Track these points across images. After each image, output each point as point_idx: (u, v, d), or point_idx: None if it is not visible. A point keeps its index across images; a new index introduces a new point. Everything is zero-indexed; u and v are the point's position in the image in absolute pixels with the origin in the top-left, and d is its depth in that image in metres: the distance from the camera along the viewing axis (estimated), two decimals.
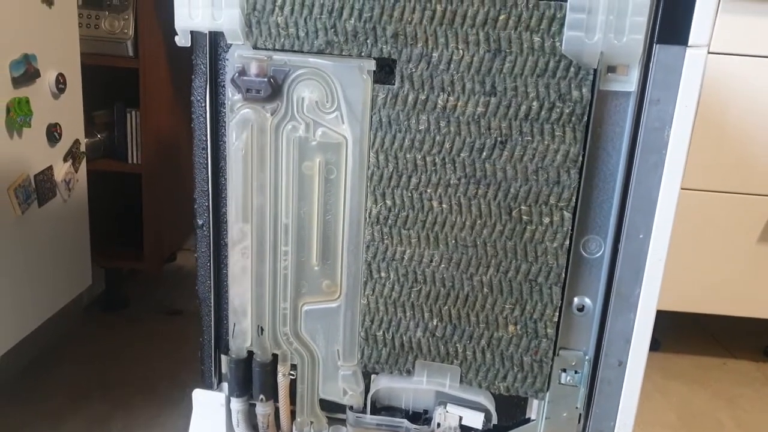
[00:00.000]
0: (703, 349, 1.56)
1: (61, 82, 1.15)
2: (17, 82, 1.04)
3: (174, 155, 1.59)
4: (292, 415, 0.82)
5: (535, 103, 0.66)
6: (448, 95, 0.67)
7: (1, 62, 1.01)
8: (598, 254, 0.71)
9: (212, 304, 0.79)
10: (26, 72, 1.06)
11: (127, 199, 1.57)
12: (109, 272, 1.57)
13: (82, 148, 1.27)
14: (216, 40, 0.71)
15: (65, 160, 1.21)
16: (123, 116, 1.46)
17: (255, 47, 0.69)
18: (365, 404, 0.80)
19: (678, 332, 1.61)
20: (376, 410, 0.80)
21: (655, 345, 1.54)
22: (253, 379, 0.80)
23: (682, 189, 1.31)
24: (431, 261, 0.72)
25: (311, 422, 0.81)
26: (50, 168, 1.16)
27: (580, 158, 0.67)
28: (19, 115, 1.05)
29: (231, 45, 0.70)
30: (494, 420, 0.77)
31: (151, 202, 1.49)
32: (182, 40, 0.70)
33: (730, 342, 1.60)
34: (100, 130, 1.47)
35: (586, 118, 0.66)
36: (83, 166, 1.28)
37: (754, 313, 1.40)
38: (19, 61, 1.04)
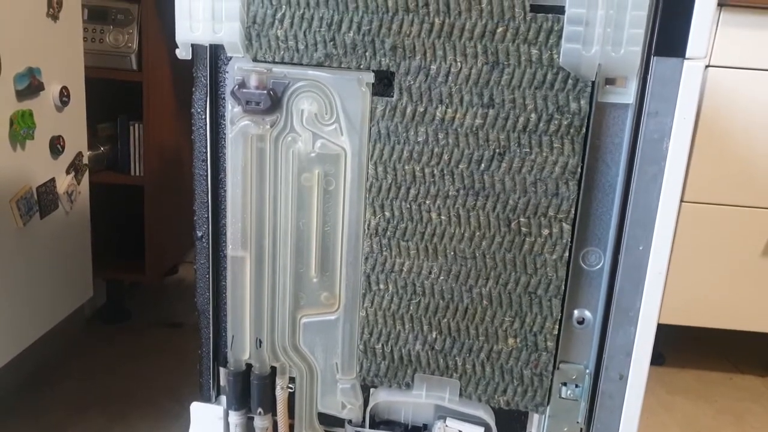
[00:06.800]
0: (708, 363, 1.55)
1: (64, 95, 1.17)
2: (21, 95, 1.05)
3: (176, 168, 1.60)
4: (291, 428, 0.81)
5: (533, 115, 0.66)
6: (447, 107, 0.67)
7: (6, 75, 1.02)
8: (598, 266, 0.71)
9: (211, 316, 0.79)
10: (30, 85, 1.07)
11: (129, 211, 1.58)
12: (111, 284, 1.57)
13: (85, 161, 1.28)
14: (216, 52, 0.71)
15: (68, 172, 1.22)
16: (126, 129, 1.47)
17: (255, 60, 0.70)
18: (364, 418, 0.79)
19: (682, 347, 1.59)
20: (375, 424, 0.80)
21: (660, 359, 1.52)
22: (251, 392, 0.80)
23: (686, 202, 1.32)
24: (430, 273, 0.72)
25: None
26: (53, 180, 1.17)
27: (579, 170, 0.67)
28: (23, 127, 1.06)
29: (231, 58, 0.70)
30: None
31: (153, 214, 1.50)
32: (183, 53, 0.71)
33: (735, 356, 1.58)
34: (103, 143, 1.48)
35: (584, 130, 0.66)
36: (86, 179, 1.29)
37: (759, 327, 1.38)
38: (23, 75, 1.05)
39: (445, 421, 0.77)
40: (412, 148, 0.69)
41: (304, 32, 0.68)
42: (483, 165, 0.68)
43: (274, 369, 0.79)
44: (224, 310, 0.79)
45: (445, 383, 0.75)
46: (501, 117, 0.67)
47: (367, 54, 0.67)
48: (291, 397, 0.80)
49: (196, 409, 0.82)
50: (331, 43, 0.68)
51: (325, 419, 0.80)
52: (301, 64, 0.69)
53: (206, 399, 0.82)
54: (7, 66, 1.02)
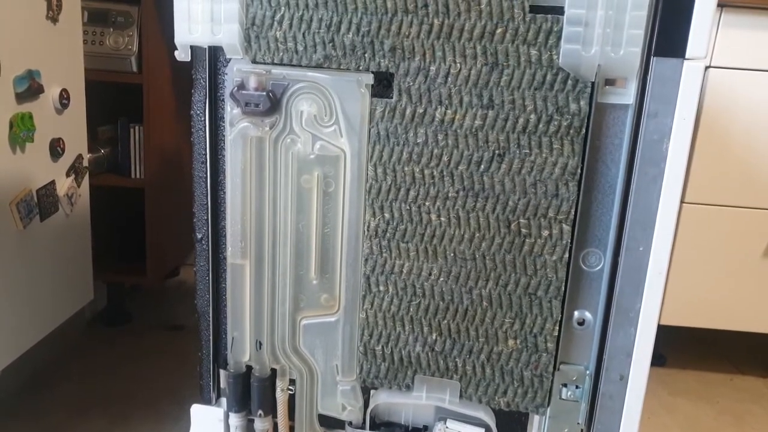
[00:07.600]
0: (710, 364, 1.54)
1: (64, 98, 1.17)
2: (21, 98, 1.05)
3: (177, 170, 1.60)
4: (291, 430, 0.81)
5: (532, 116, 0.66)
6: (446, 108, 0.67)
7: (6, 78, 1.02)
8: (598, 267, 0.71)
9: (211, 318, 0.79)
10: (30, 87, 1.07)
11: (129, 213, 1.58)
12: (111, 287, 1.57)
13: (85, 163, 1.28)
14: (215, 54, 0.71)
15: (68, 174, 1.22)
16: (126, 131, 1.47)
17: (254, 61, 0.70)
18: (364, 420, 0.79)
19: (683, 348, 1.59)
20: (375, 426, 0.79)
21: (661, 360, 1.52)
22: (251, 394, 0.79)
23: (687, 203, 1.32)
24: (430, 274, 0.72)
25: None
26: (53, 183, 1.17)
27: (579, 171, 0.67)
28: (22, 130, 1.06)
29: (230, 59, 0.70)
30: None
31: (154, 217, 1.50)
32: (182, 55, 0.71)
33: (736, 357, 1.58)
34: (103, 145, 1.49)
35: (584, 130, 0.66)
36: (86, 181, 1.29)
37: (760, 328, 1.38)
38: (23, 77, 1.05)
39: (445, 423, 0.77)
40: (412, 149, 0.69)
41: (303, 34, 0.68)
42: (483, 166, 0.68)
43: (274, 371, 0.79)
44: (224, 312, 0.79)
45: (446, 385, 0.75)
46: (500, 118, 0.67)
47: (366, 55, 0.67)
48: (291, 399, 0.80)
49: (197, 411, 0.82)
50: (330, 44, 0.68)
51: (326, 421, 0.80)
52: (301, 66, 0.69)
53: (206, 401, 0.82)
54: (7, 68, 1.02)
